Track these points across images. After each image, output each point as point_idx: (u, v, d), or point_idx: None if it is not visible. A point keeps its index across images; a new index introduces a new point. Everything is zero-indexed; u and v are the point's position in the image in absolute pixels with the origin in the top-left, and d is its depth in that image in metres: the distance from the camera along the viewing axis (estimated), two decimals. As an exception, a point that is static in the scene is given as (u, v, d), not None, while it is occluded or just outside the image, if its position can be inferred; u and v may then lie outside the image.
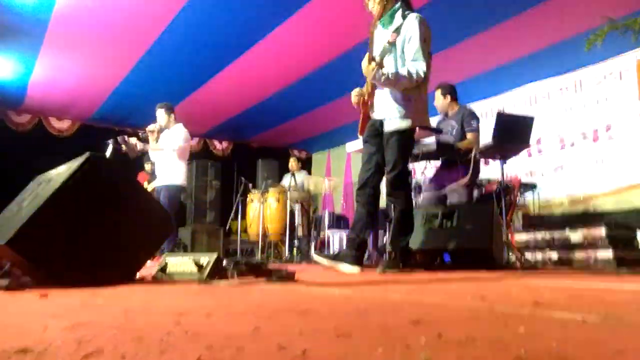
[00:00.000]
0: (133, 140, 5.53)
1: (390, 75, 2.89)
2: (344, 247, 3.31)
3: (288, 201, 7.09)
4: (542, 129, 6.55)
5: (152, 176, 6.90)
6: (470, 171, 4.06)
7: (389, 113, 3.00)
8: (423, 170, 7.26)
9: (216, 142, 9.74)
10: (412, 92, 2.98)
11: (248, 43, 5.76)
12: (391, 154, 2.99)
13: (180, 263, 2.33)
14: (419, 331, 0.76)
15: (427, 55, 2.95)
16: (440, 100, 4.55)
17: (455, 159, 4.19)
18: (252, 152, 9.85)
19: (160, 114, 5.48)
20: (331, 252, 6.53)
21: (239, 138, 9.83)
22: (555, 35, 5.39)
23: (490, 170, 5.49)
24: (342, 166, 9.50)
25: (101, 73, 6.53)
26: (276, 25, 5.34)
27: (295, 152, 10.20)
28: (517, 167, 6.46)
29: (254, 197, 7.41)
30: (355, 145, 4.88)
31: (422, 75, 2.89)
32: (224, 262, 2.42)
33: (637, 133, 5.61)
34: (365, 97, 3.11)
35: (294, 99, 7.52)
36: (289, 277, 2.18)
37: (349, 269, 2.94)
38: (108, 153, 5.02)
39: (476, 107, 6.68)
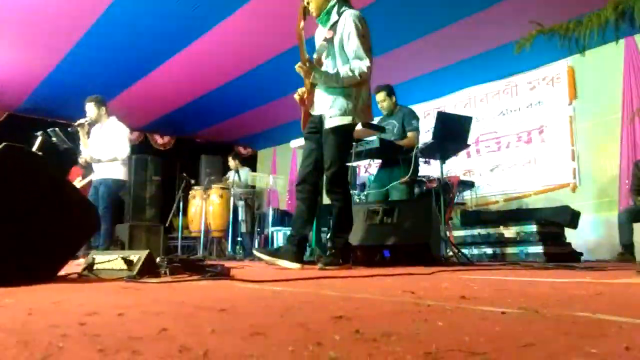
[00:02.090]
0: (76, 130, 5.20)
1: (329, 75, 2.89)
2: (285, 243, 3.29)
3: (232, 197, 6.98)
4: (480, 131, 6.81)
5: (86, 170, 6.57)
6: (411, 169, 4.14)
7: (328, 110, 2.99)
8: (367, 168, 7.37)
9: (157, 137, 9.45)
10: (352, 89, 2.97)
11: (192, 35, 5.60)
12: (329, 151, 2.98)
13: (108, 260, 2.22)
14: (338, 328, 0.74)
15: (368, 51, 2.95)
16: (387, 101, 4.62)
17: (397, 157, 4.26)
18: (196, 147, 9.62)
19: (90, 107, 5.20)
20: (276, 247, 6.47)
21: (182, 133, 9.57)
22: (492, 41, 5.60)
23: (431, 169, 5.63)
24: (288, 163, 9.46)
25: (30, 60, 6.15)
26: (221, 19, 5.22)
27: (240, 149, 10.05)
28: (456, 167, 6.68)
29: (196, 193, 7.23)
30: (300, 142, 4.86)
31: (366, 70, 2.89)
32: (157, 260, 2.33)
33: (567, 135, 5.93)
34: (305, 94, 3.09)
35: (239, 94, 7.39)
36: (224, 274, 2.12)
37: (289, 265, 2.91)
38: (37, 145, 4.74)
39: (417, 108, 6.82)
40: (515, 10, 4.85)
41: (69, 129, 5.27)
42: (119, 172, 5.13)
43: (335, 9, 3.03)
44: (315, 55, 3.09)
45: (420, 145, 4.25)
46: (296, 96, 3.17)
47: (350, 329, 0.72)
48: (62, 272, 2.10)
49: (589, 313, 0.91)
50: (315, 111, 3.10)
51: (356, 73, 2.88)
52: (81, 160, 6.79)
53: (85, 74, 6.55)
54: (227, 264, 4.18)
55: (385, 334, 0.67)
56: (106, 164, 5.08)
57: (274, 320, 0.82)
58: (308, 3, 2.99)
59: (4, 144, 1.86)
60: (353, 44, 2.91)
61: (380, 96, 4.62)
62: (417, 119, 4.51)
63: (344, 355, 0.55)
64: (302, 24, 2.84)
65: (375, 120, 4.83)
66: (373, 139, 4.16)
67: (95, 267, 2.22)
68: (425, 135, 6.38)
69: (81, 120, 5.22)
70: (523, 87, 6.49)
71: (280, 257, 2.98)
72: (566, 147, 5.92)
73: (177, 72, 6.56)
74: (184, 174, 7.27)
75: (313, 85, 3.11)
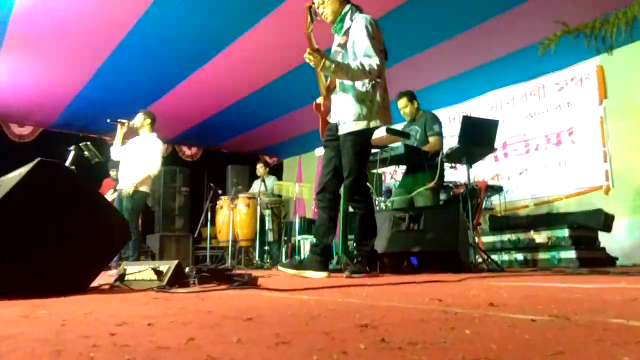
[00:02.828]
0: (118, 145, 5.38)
1: (340, 65, 2.85)
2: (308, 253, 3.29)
3: (258, 207, 7.04)
4: (508, 134, 6.69)
5: (117, 183, 6.73)
6: (437, 174, 4.10)
7: (344, 116, 2.98)
8: (392, 174, 7.33)
9: (185, 148, 9.61)
10: (365, 94, 2.95)
11: (217, 47, 5.70)
12: (347, 159, 2.97)
13: (139, 271, 2.27)
14: (363, 336, 0.74)
15: (379, 52, 2.93)
16: (409, 107, 4.60)
17: (423, 162, 4.23)
18: (222, 157, 9.76)
19: (138, 116, 5.40)
20: (302, 257, 6.49)
21: (209, 143, 9.71)
22: (518, 42, 5.52)
23: (458, 174, 5.56)
24: (313, 171, 9.49)
25: (63, 78, 6.36)
26: (246, 30, 5.30)
27: (265, 158, 10.13)
28: (484, 171, 6.58)
29: (223, 203, 7.32)
30: (324, 150, 4.88)
31: (375, 68, 2.86)
32: (187, 270, 2.37)
33: (598, 136, 5.78)
34: (321, 101, 3.11)
35: (264, 104, 7.47)
36: (251, 283, 2.14)
37: (315, 275, 2.91)
38: (70, 159, 4.89)
39: (442, 113, 6.79)
40: (540, 11, 4.77)
41: (108, 120, 5.43)
42: (143, 184, 5.22)
43: (349, 15, 3.05)
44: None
45: (445, 150, 4.21)
46: (314, 105, 3.20)
47: (376, 337, 0.72)
48: (94, 283, 2.16)
49: (622, 320, 0.88)
50: (332, 119, 3.12)
51: (366, 68, 2.85)
52: (112, 173, 6.98)
53: (115, 90, 6.74)
54: (255, 273, 4.21)
55: (411, 343, 0.67)
56: (130, 175, 5.18)
57: (299, 329, 0.82)
58: (318, 6, 3.01)
59: (38, 159, 1.93)
60: (363, 44, 2.91)
61: (402, 102, 4.60)
62: (439, 123, 4.47)
63: (368, 364, 0.54)
64: (310, 27, 2.85)
65: (399, 127, 4.82)
66: (398, 145, 4.15)
67: (126, 277, 2.27)
68: (451, 140, 6.32)
69: (123, 120, 5.38)
70: (551, 88, 6.36)
71: (305, 268, 2.99)
72: (597, 149, 5.76)
73: (203, 84, 6.68)
74: (212, 184, 7.37)
75: (329, 92, 3.12)
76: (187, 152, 9.63)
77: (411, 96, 4.60)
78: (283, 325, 0.87)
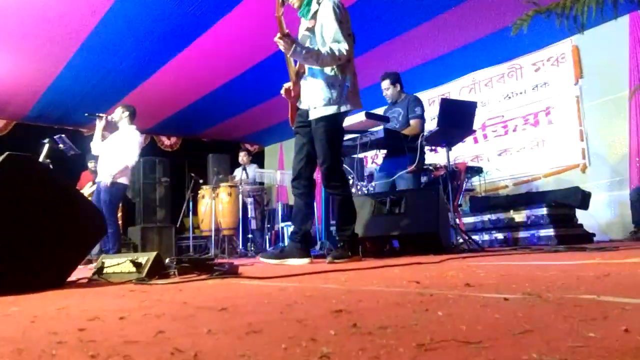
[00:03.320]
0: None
1: (310, 51, 2.84)
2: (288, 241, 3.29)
3: (240, 195, 7.00)
4: (487, 115, 6.75)
5: (96, 175, 6.63)
6: (417, 157, 4.12)
7: (314, 101, 2.96)
8: (374, 159, 7.35)
9: (164, 138, 9.49)
10: (335, 78, 2.94)
11: (192, 35, 5.60)
12: (320, 145, 2.95)
13: (117, 263, 2.24)
14: (336, 322, 0.74)
15: (348, 36, 2.91)
16: (390, 90, 4.59)
17: (403, 146, 4.23)
18: (203, 146, 9.65)
19: (117, 110, 5.30)
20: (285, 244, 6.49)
21: (188, 133, 9.60)
22: (495, 24, 5.53)
23: (438, 157, 5.59)
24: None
25: (34, 69, 6.18)
26: (220, 16, 5.20)
27: (247, 146, 10.06)
28: (464, 153, 6.63)
29: (205, 192, 7.27)
30: (295, 137, 4.86)
31: (345, 53, 2.85)
32: (167, 260, 2.35)
33: (574, 116, 5.86)
34: (290, 86, 3.09)
35: (243, 91, 7.39)
36: (232, 272, 2.13)
37: (297, 262, 2.92)
38: (44, 152, 4.79)
39: (422, 96, 6.77)
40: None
41: (85, 114, 5.33)
42: (122, 176, 5.12)
43: None
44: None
45: (425, 133, 4.22)
46: (282, 91, 3.17)
47: (348, 322, 0.72)
48: (72, 277, 2.13)
49: (593, 295, 0.90)
50: (302, 104, 3.09)
51: (336, 53, 2.84)
52: (90, 164, 6.86)
53: (89, 80, 6.59)
54: (238, 261, 4.20)
55: (382, 327, 0.67)
56: (109, 167, 5.08)
57: (272, 317, 0.82)
58: None
59: (6, 153, 1.88)
60: (331, 29, 2.89)
61: (384, 84, 4.59)
62: (421, 106, 4.47)
63: (337, 350, 0.54)
64: (281, 10, 2.82)
65: (381, 110, 4.82)
66: (378, 129, 4.15)
67: (104, 270, 2.24)
68: (431, 123, 6.35)
69: (101, 114, 5.28)
70: (528, 68, 6.41)
71: (286, 256, 2.99)
72: (574, 128, 5.84)
73: (179, 73, 6.57)
74: (192, 174, 7.30)
75: (298, 77, 3.10)
76: (167, 142, 9.50)
77: (394, 78, 4.58)
78: (257, 314, 0.87)
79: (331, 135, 2.95)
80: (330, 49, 2.84)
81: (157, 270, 2.12)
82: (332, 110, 2.92)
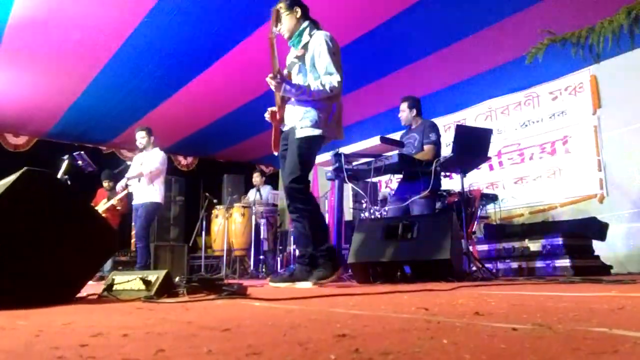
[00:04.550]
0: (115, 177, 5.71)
1: (301, 88, 2.89)
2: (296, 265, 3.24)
3: (253, 216, 7.02)
4: (503, 143, 6.71)
5: (110, 192, 6.73)
6: (431, 183, 4.09)
7: (300, 122, 2.97)
8: (388, 183, 7.33)
9: (180, 158, 9.60)
10: (323, 103, 2.97)
11: (212, 57, 5.72)
12: (290, 159, 2.93)
13: (127, 281, 2.24)
14: (338, 347, 0.72)
15: (339, 68, 2.96)
16: (405, 113, 4.61)
17: (417, 171, 4.22)
18: (218, 167, 9.73)
19: (141, 135, 5.62)
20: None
21: (205, 153, 9.70)
22: (512, 52, 5.54)
23: (453, 183, 5.56)
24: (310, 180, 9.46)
25: (57, 87, 6.35)
26: (242, 39, 5.32)
27: (262, 167, 10.12)
28: (479, 179, 6.58)
29: (218, 212, 7.30)
30: (319, 158, 4.87)
31: (337, 85, 2.90)
32: (176, 279, 2.35)
33: (592, 145, 5.79)
34: (276, 109, 3.12)
35: (260, 113, 7.38)
36: (240, 293, 2.11)
37: (306, 285, 2.89)
38: (63, 168, 4.88)
39: (438, 122, 6.77)
40: (534, 22, 4.80)
41: (116, 171, 5.83)
42: (156, 196, 5.49)
43: (307, 31, 3.07)
44: (285, 72, 3.10)
45: (440, 159, 4.21)
46: (267, 114, 3.19)
47: (350, 347, 0.71)
48: (83, 293, 2.14)
49: (605, 328, 0.87)
50: (286, 126, 3.11)
51: (327, 87, 2.88)
52: (105, 183, 6.98)
53: (110, 100, 6.74)
54: (249, 282, 4.18)
55: (384, 353, 0.65)
56: (143, 188, 5.37)
57: (274, 340, 0.81)
58: (279, 11, 3.03)
59: (25, 168, 1.92)
60: (324, 61, 2.93)
61: (402, 106, 4.63)
62: (437, 132, 4.47)
63: (335, 375, 0.53)
64: (274, 29, 2.87)
65: (398, 134, 4.83)
66: (392, 154, 4.15)
67: (114, 287, 2.25)
68: (447, 149, 6.33)
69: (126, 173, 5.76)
70: (545, 97, 6.38)
71: (295, 279, 2.96)
72: (592, 157, 5.77)
73: (198, 94, 6.68)
74: (207, 194, 7.36)
75: (284, 102, 3.12)
76: (183, 161, 9.61)
77: (412, 102, 4.61)
78: (260, 336, 0.86)
79: (304, 152, 2.93)
80: (322, 83, 2.89)
81: (167, 289, 2.12)
82: (316, 132, 2.93)
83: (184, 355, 0.66)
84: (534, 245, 4.67)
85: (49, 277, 1.83)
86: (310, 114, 2.94)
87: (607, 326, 0.89)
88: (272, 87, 2.92)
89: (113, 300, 2.02)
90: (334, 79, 2.89)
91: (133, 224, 5.71)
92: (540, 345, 0.72)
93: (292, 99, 3.05)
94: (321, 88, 2.90)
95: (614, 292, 1.86)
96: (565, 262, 4.34)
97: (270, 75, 2.88)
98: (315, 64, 2.97)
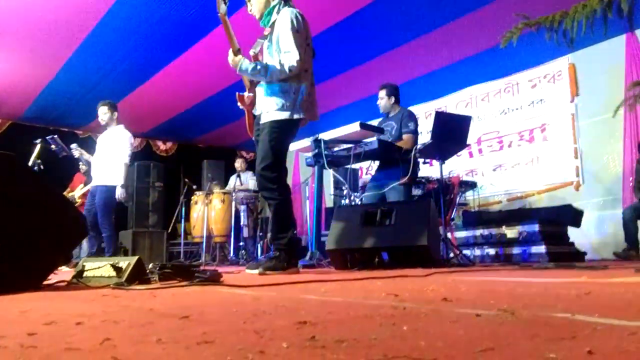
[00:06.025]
0: (74, 146, 5.24)
1: (258, 66, 2.82)
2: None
3: (233, 202, 6.96)
4: (482, 130, 6.75)
5: (88, 177, 6.59)
6: (410, 169, 4.10)
7: (266, 106, 2.92)
8: (368, 170, 7.33)
9: (159, 142, 9.45)
10: (289, 85, 2.89)
11: (191, 40, 5.59)
12: (261, 146, 2.88)
13: (98, 267, 2.20)
14: (295, 334, 0.71)
15: (302, 46, 2.87)
16: (384, 100, 4.58)
17: (396, 158, 4.22)
18: (199, 152, 9.62)
19: (103, 110, 5.17)
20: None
21: (185, 138, 9.57)
22: (493, 39, 5.53)
23: (432, 170, 5.58)
24: (290, 166, 9.43)
25: (31, 69, 6.16)
26: (220, 22, 5.19)
27: (243, 153, 10.02)
28: (459, 167, 6.62)
29: (198, 198, 7.23)
30: (300, 144, 4.84)
31: (295, 64, 2.81)
32: (150, 266, 2.31)
33: (569, 133, 5.86)
34: (245, 94, 3.06)
35: (240, 98, 7.37)
36: (213, 280, 2.09)
37: (254, 273, 2.87)
38: (35, 152, 4.76)
39: (418, 109, 6.83)
40: (514, 7, 4.79)
41: (71, 150, 5.28)
42: (117, 179, 5.04)
43: (276, 9, 3.00)
44: (251, 52, 3.02)
45: (419, 145, 4.21)
46: (237, 98, 3.15)
47: (308, 335, 0.69)
48: (54, 280, 2.09)
49: (568, 314, 0.87)
50: (257, 111, 3.06)
51: (285, 67, 2.81)
52: (83, 167, 6.82)
53: (86, 82, 6.57)
54: (228, 269, 4.16)
55: (339, 340, 0.64)
56: (104, 170, 5.03)
57: (232, 327, 0.78)
58: (246, 4, 2.97)
59: (-12, 152, 1.85)
60: (285, 38, 2.86)
61: (381, 93, 4.60)
62: (415, 121, 4.46)
63: (283, 364, 0.51)
64: (222, 7, 2.80)
65: (376, 121, 4.81)
66: (372, 140, 4.13)
67: (84, 274, 2.20)
68: (427, 136, 6.35)
69: (75, 153, 5.28)
70: (524, 85, 6.43)
71: (272, 267, 2.93)
72: (569, 145, 5.84)
73: (178, 77, 6.56)
74: (186, 180, 7.26)
75: (253, 85, 3.07)
76: (162, 146, 9.47)
77: (390, 90, 4.57)
78: (218, 323, 0.84)
79: (276, 137, 2.87)
80: (280, 62, 2.82)
81: (138, 276, 2.08)
82: (283, 116, 2.87)
83: (131, 343, 0.64)
84: (511, 232, 4.72)
85: (15, 263, 1.78)
86: (275, 98, 2.89)
87: (570, 312, 0.89)
88: (230, 64, 2.87)
89: (82, 287, 1.98)
90: (292, 58, 2.80)
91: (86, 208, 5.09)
92: (499, 331, 0.71)
93: (262, 82, 2.99)
94: (278, 68, 2.81)
95: (583, 278, 1.88)
96: (540, 249, 4.41)
97: (230, 55, 2.83)
98: (279, 42, 2.90)
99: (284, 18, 2.89)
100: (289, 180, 3.27)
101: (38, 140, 4.89)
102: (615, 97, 5.37)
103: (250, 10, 3.07)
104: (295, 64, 2.80)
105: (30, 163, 4.87)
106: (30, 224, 1.85)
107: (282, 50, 2.86)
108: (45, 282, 2.00)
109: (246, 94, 3.14)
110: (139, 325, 0.81)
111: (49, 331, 0.77)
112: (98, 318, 0.92)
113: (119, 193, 4.94)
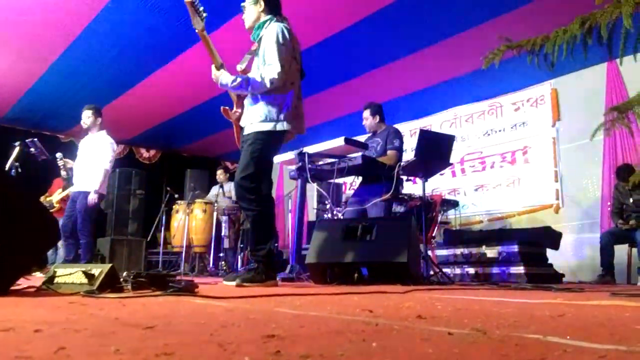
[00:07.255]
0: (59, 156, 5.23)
1: (238, 79, 2.83)
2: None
3: (215, 212, 6.89)
4: (465, 150, 6.82)
5: (67, 182, 6.47)
6: (393, 186, 4.11)
7: (251, 118, 2.92)
8: (352, 185, 7.33)
9: (143, 150, 9.36)
10: (275, 97, 2.88)
11: (178, 48, 5.58)
12: (243, 156, 2.87)
13: (69, 274, 2.14)
14: (259, 348, 0.68)
15: (287, 60, 2.86)
16: (369, 120, 4.60)
17: (380, 174, 4.22)
18: (182, 161, 9.54)
19: (87, 114, 5.09)
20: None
21: (169, 147, 9.49)
22: (477, 62, 5.60)
23: (415, 188, 5.60)
24: (274, 178, 9.39)
25: (14, 71, 6.07)
26: (210, 31, 5.17)
27: (227, 164, 9.96)
28: (441, 185, 6.67)
29: (179, 207, 7.14)
30: (284, 156, 4.82)
31: (277, 77, 2.79)
32: (124, 274, 2.25)
33: (550, 157, 5.95)
34: (233, 107, 3.07)
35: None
36: (187, 290, 2.05)
37: (231, 284, 2.83)
38: (13, 155, 4.66)
39: (403, 127, 6.88)
40: (498, 32, 4.88)
41: (44, 154, 5.22)
42: (98, 184, 4.96)
43: (266, 24, 2.99)
44: (238, 67, 3.02)
45: (402, 163, 4.22)
46: (222, 110, 3.14)
47: (273, 349, 0.67)
48: (24, 285, 2.03)
49: (539, 335, 0.86)
50: (243, 122, 3.06)
51: (266, 80, 2.80)
52: (63, 172, 6.69)
53: (70, 86, 6.49)
54: (204, 280, 4.09)
55: (304, 356, 0.62)
56: (85, 176, 4.95)
57: (196, 339, 0.76)
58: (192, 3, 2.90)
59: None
60: (268, 51, 2.85)
61: (365, 113, 4.62)
62: (400, 138, 4.49)
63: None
64: (199, 24, 2.81)
65: (363, 138, 4.82)
66: (357, 155, 4.13)
67: (55, 280, 2.14)
68: (411, 154, 6.39)
69: (59, 163, 5.41)
70: (507, 107, 6.53)
71: (250, 279, 2.89)
72: (549, 168, 5.93)
73: (164, 85, 6.52)
74: (168, 188, 7.18)
75: (240, 97, 3.08)
76: (145, 154, 9.37)
77: (374, 109, 4.59)
78: (183, 335, 0.81)
79: (259, 148, 2.85)
80: (261, 75, 2.81)
81: (111, 284, 2.03)
82: (267, 127, 2.86)
83: (87, 354, 0.61)
84: (491, 252, 4.75)
85: (-20, 267, 1.72)
86: (260, 109, 2.88)
87: (542, 333, 0.88)
88: (213, 78, 2.90)
89: (51, 294, 1.92)
90: (273, 70, 2.78)
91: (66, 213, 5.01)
92: (469, 350, 0.70)
93: (248, 95, 2.99)
94: (259, 80, 2.80)
95: (559, 300, 1.89)
96: (519, 269, 4.44)
97: (213, 69, 2.86)
98: (264, 56, 2.90)
99: (271, 32, 2.89)
100: (273, 193, 3.25)
101: (17, 143, 4.80)
102: (596, 123, 5.42)
103: (244, 19, 3.07)
104: (276, 77, 2.78)
105: (7, 165, 4.77)
106: None
107: (266, 63, 2.86)
108: (14, 287, 1.94)
109: (234, 109, 3.13)
110: (99, 335, 0.78)
111: (4, 338, 0.73)
112: (59, 326, 0.89)
113: (91, 198, 4.85)
